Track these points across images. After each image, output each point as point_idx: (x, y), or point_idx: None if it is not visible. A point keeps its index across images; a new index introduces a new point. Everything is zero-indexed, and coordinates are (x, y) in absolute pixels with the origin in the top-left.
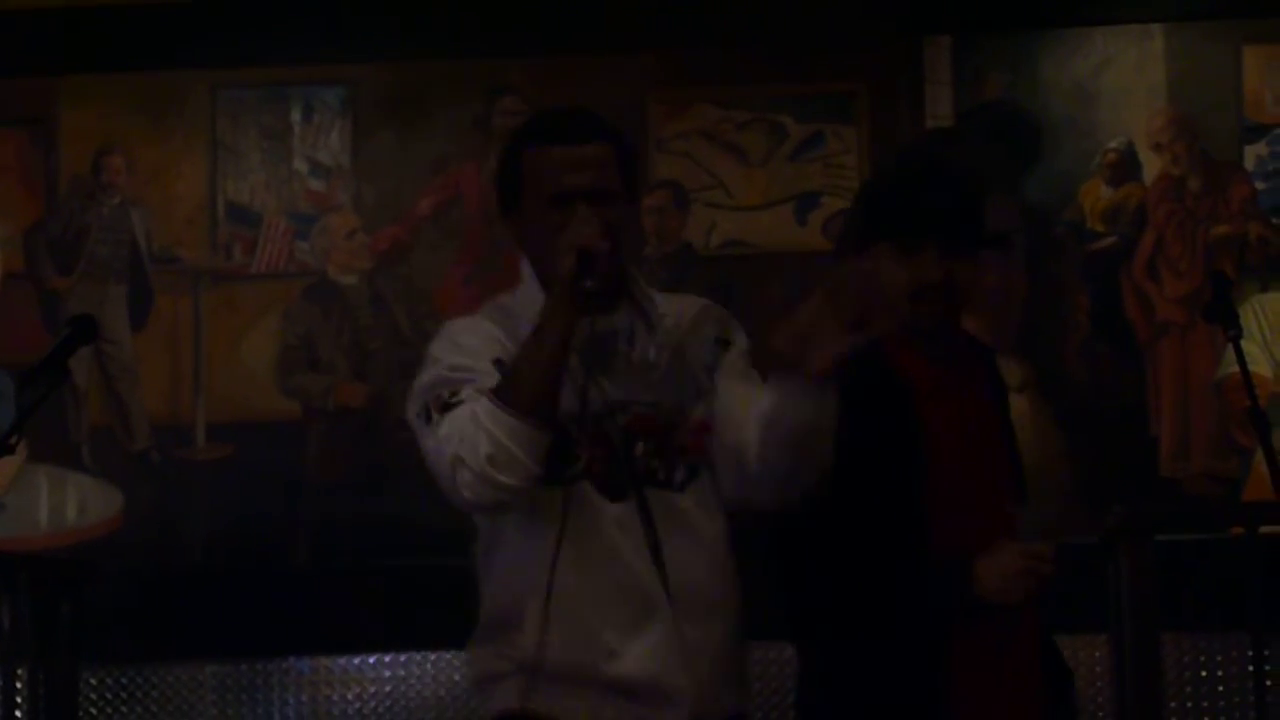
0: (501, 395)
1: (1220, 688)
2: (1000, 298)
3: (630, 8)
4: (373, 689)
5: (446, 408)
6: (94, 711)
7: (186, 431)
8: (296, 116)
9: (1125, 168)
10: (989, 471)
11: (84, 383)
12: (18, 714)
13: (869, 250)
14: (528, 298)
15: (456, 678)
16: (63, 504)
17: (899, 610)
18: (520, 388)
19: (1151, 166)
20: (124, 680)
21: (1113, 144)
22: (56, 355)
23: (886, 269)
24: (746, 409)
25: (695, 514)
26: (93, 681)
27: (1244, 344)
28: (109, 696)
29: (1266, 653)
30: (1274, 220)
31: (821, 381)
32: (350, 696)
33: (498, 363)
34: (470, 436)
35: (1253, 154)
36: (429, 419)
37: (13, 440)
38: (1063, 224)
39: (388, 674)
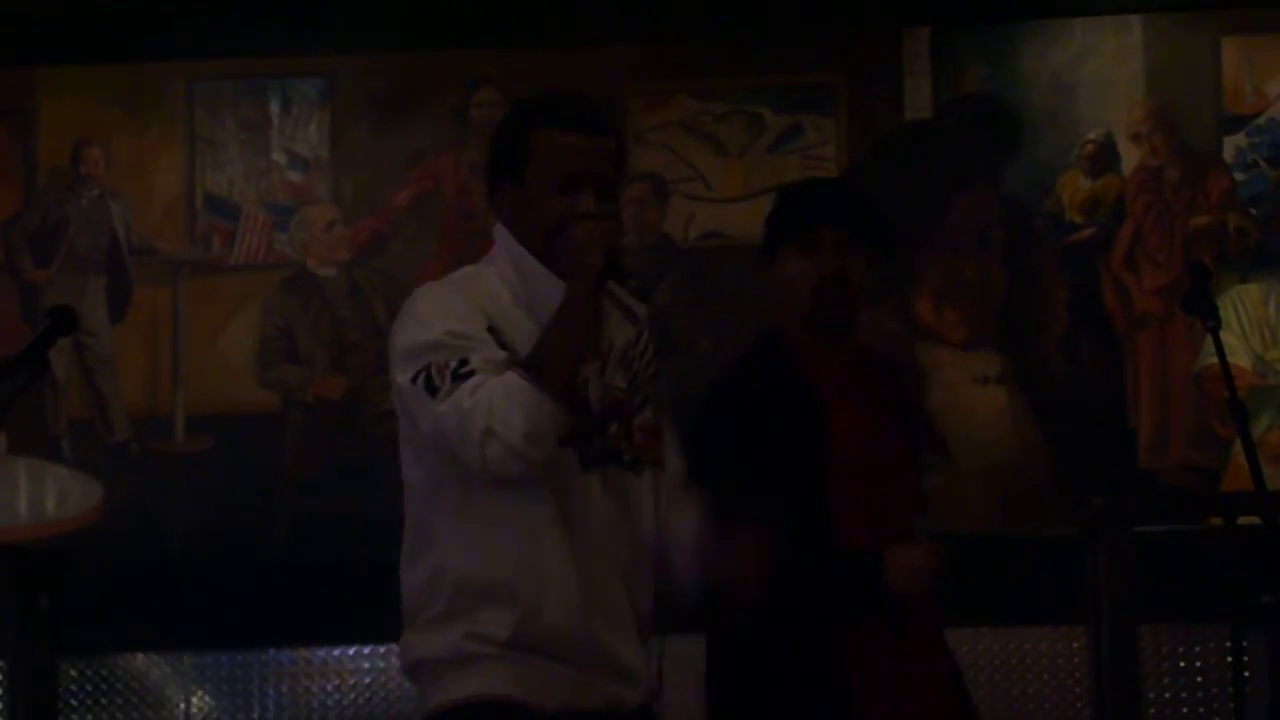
0: (534, 374)
1: (1199, 679)
2: (978, 290)
3: None
4: (352, 680)
5: (459, 376)
6: (74, 703)
7: (165, 423)
8: (275, 108)
9: (1104, 159)
10: (884, 451)
11: (63, 375)
12: None
13: (777, 259)
14: (505, 268)
15: None
16: (42, 496)
17: (808, 598)
18: (553, 371)
19: (1130, 158)
20: (103, 672)
21: (1091, 135)
22: (35, 347)
23: (789, 267)
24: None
25: (644, 502)
26: (72, 673)
27: (1223, 335)
28: (89, 688)
29: (1245, 644)
30: (1252, 211)
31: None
32: (330, 688)
33: (491, 330)
34: (503, 411)
35: (1231, 145)
36: (432, 386)
37: None
38: (1041, 215)
39: (367, 665)
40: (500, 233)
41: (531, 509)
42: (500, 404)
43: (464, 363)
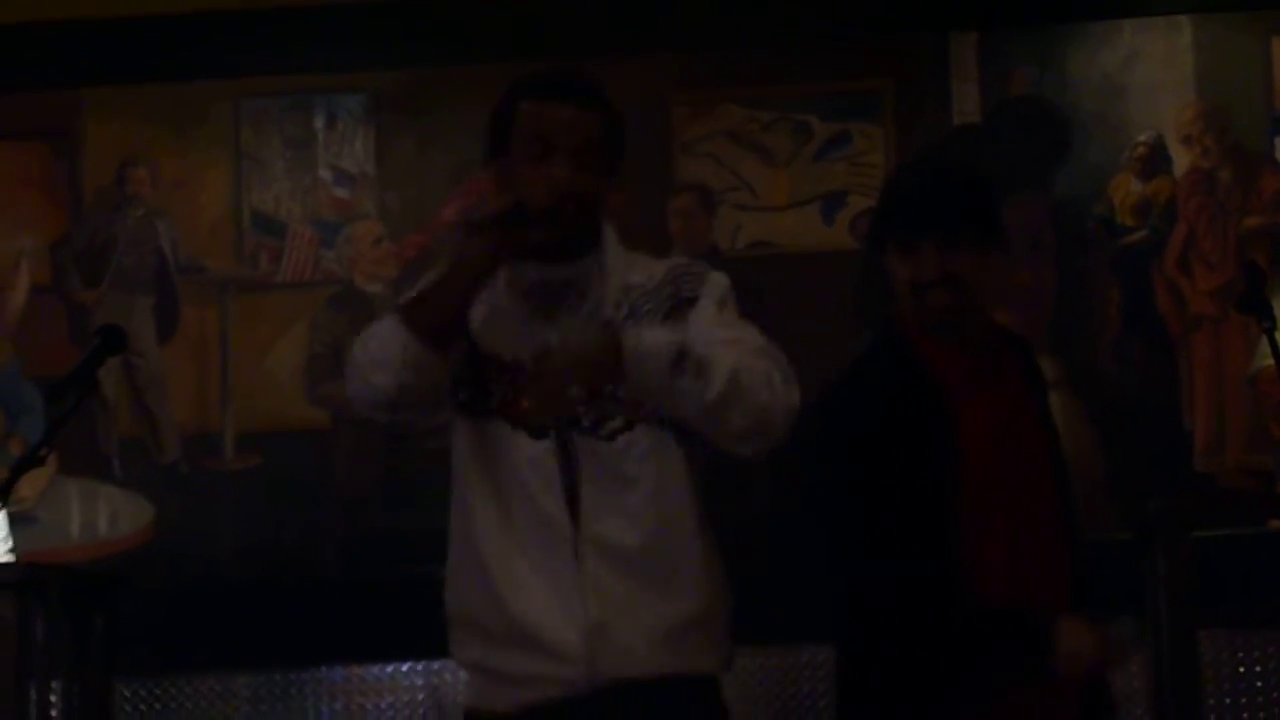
0: (402, 308)
1: (1259, 684)
2: (1031, 294)
3: (651, 9)
4: (406, 696)
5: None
6: None
7: (215, 442)
8: (320, 124)
9: (1155, 161)
10: (1022, 462)
11: (113, 395)
12: None
13: (883, 251)
14: None
15: None
16: (94, 516)
17: (958, 653)
18: (420, 306)
19: (1181, 159)
20: (157, 692)
21: (1142, 138)
22: (85, 367)
23: (894, 268)
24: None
25: (627, 465)
26: (126, 694)
27: (1278, 336)
28: (143, 708)
29: None
30: None
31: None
32: (384, 705)
33: None
34: (367, 341)
35: None
36: None
37: (43, 453)
38: (1093, 218)
39: (421, 681)
40: None
41: (461, 479)
42: (365, 336)
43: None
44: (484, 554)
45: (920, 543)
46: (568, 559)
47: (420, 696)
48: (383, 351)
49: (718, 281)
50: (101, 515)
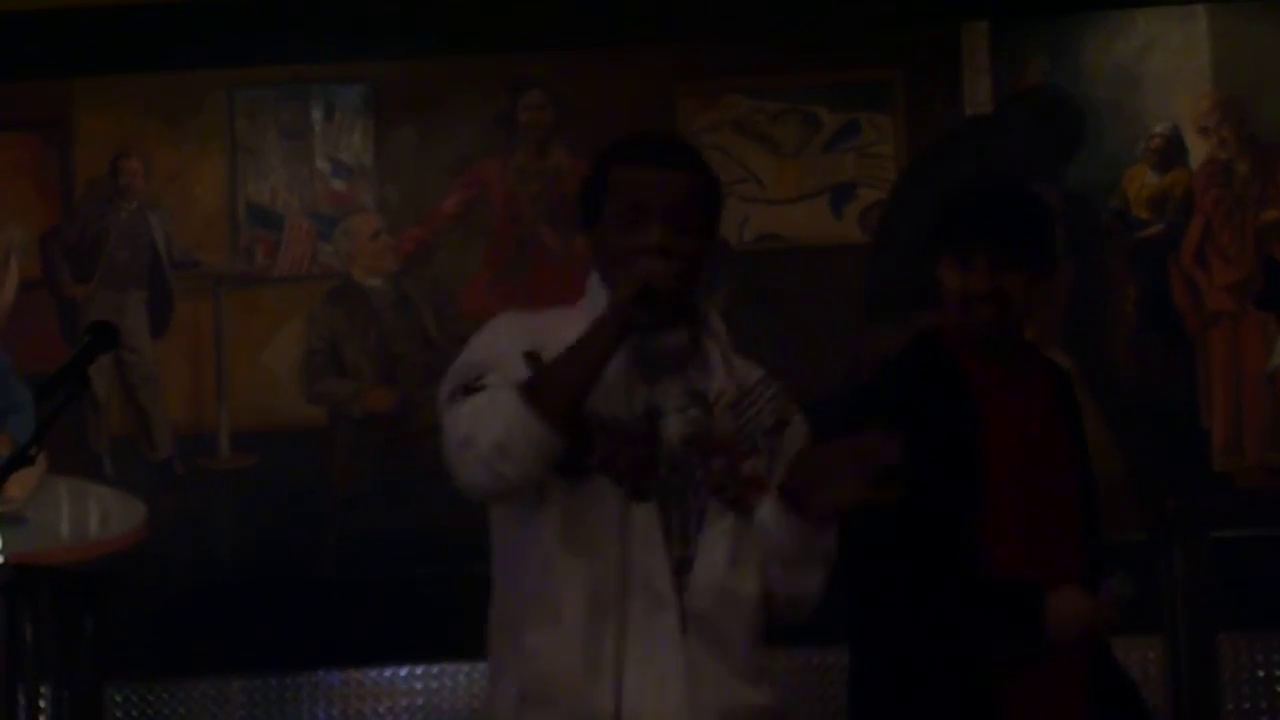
0: (528, 391)
1: (1278, 688)
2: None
3: None
4: (405, 701)
5: (470, 390)
6: None
7: (210, 440)
8: (317, 115)
9: (1171, 153)
10: (1046, 474)
11: (104, 392)
12: None
13: (940, 263)
14: (588, 309)
15: None
16: (84, 516)
17: (959, 626)
18: (548, 390)
19: (1198, 151)
20: (150, 696)
21: (1158, 129)
22: (76, 363)
23: (946, 278)
24: None
25: (740, 544)
26: (117, 698)
27: None
28: (134, 713)
29: None
30: None
31: (823, 524)
32: (382, 709)
33: (528, 355)
34: (486, 419)
35: None
36: (453, 400)
37: (32, 452)
38: (1108, 212)
39: (420, 685)
40: (592, 276)
41: (544, 535)
42: (484, 414)
43: (481, 377)
44: (573, 626)
45: (932, 521)
46: (670, 631)
47: (419, 702)
48: (508, 437)
49: (801, 421)
50: (92, 515)
